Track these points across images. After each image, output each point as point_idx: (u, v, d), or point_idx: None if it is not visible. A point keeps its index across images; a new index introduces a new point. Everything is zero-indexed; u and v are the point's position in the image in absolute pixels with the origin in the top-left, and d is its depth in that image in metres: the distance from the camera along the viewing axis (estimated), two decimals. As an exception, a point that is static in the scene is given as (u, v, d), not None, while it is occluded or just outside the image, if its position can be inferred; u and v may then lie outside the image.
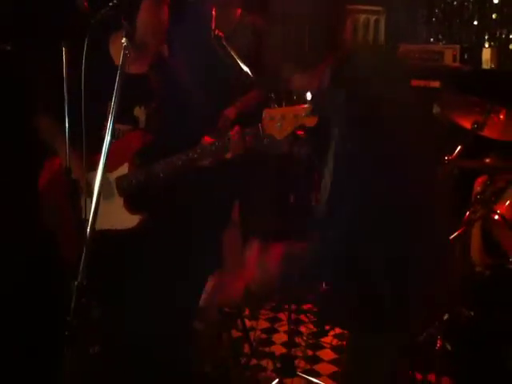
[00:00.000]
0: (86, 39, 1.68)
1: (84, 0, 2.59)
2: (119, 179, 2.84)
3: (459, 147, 3.52)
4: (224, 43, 3.23)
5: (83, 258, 1.63)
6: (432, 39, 5.19)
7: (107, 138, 1.88)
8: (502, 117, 3.58)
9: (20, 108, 2.92)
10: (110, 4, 1.70)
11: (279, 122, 2.53)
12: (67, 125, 2.07)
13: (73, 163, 2.26)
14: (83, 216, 1.93)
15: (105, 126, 1.95)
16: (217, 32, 3.26)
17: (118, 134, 2.85)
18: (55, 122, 2.65)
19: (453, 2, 5.15)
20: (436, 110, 3.83)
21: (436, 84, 4.43)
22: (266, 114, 2.57)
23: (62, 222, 2.79)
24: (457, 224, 3.47)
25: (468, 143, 3.51)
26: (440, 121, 3.85)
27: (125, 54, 1.69)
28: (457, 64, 4.75)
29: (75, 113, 2.04)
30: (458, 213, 3.54)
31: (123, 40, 1.71)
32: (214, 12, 3.28)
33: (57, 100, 2.16)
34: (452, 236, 3.38)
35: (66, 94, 2.01)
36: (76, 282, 1.58)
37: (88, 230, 1.68)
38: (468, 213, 3.52)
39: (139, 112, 2.88)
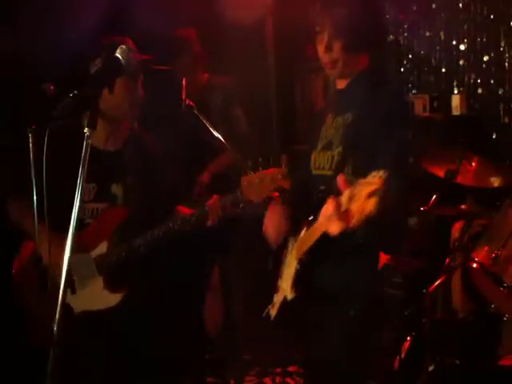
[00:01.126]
0: (47, 132, 1.71)
1: (50, 84, 2.64)
2: (99, 258, 2.84)
3: (434, 196, 3.57)
4: (195, 112, 3.29)
5: (50, 362, 1.61)
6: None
7: (74, 217, 1.88)
8: (474, 164, 3.65)
9: None
10: (71, 95, 1.74)
11: (257, 186, 2.60)
12: (36, 210, 2.08)
13: (45, 247, 2.27)
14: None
15: (81, 206, 1.96)
16: (187, 102, 3.32)
17: (96, 213, 2.87)
18: (28, 205, 2.67)
19: (420, 52, 5.27)
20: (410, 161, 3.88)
21: (408, 134, 4.50)
22: (243, 181, 2.63)
23: (36, 309, 2.78)
24: (437, 272, 3.49)
25: (443, 191, 3.56)
26: (413, 171, 3.91)
27: (87, 144, 1.73)
28: (427, 113, 4.85)
29: (48, 195, 2.04)
30: (438, 260, 3.57)
31: (85, 130, 1.74)
32: (184, 82, 3.35)
33: (28, 183, 2.18)
34: (434, 284, 3.40)
35: (33, 179, 2.03)
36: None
37: (55, 329, 1.67)
38: (447, 260, 3.54)
39: (116, 188, 2.90)
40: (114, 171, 2.90)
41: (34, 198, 2.10)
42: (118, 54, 1.84)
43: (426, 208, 3.55)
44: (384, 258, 3.62)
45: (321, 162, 2.44)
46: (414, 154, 3.89)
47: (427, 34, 5.26)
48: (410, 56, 5.32)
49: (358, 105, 2.33)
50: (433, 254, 3.74)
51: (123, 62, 1.84)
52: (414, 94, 5.15)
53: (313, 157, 2.50)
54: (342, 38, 2.29)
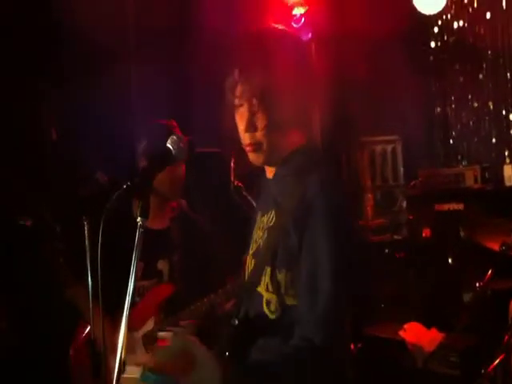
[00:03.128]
0: (102, 222, 1.76)
1: (103, 174, 2.75)
2: (146, 335, 2.87)
3: (490, 270, 3.49)
4: (244, 193, 3.34)
5: None
6: (451, 160, 5.27)
7: (128, 301, 1.89)
8: (529, 235, 3.57)
9: (43, 279, 3.02)
10: (124, 186, 1.79)
11: None
12: (91, 293, 2.13)
13: (99, 329, 2.30)
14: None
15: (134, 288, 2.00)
16: (236, 183, 3.37)
17: (142, 291, 2.93)
18: (83, 289, 2.72)
19: (469, 122, 5.26)
20: (462, 233, 3.84)
21: (460, 207, 4.46)
22: None
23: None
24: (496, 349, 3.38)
25: (498, 265, 3.49)
26: (467, 245, 3.85)
27: (140, 233, 1.77)
28: (479, 184, 4.79)
29: (104, 280, 2.06)
30: (496, 337, 3.46)
31: (138, 219, 1.79)
32: (232, 164, 3.42)
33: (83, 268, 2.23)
34: (493, 363, 3.29)
35: (88, 266, 2.09)
36: None
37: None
38: (506, 337, 3.43)
39: (162, 265, 2.97)
40: (160, 248, 2.96)
41: (89, 281, 2.16)
42: (169, 145, 1.88)
43: (481, 283, 3.47)
44: (439, 337, 3.55)
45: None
46: (467, 227, 3.88)
47: (475, 104, 5.26)
48: (459, 127, 5.31)
49: (280, 201, 1.87)
50: (490, 330, 3.62)
51: (174, 152, 1.88)
52: (465, 165, 5.12)
53: (246, 263, 2.05)
54: (268, 114, 1.82)
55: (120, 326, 1.92)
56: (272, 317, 1.83)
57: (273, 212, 1.89)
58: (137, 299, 2.93)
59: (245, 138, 1.90)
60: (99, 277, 1.98)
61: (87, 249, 2.11)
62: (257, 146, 1.88)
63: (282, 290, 1.81)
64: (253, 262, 1.97)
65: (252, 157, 1.93)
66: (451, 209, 4.44)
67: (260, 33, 1.93)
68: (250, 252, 2.02)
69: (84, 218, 2.06)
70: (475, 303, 3.73)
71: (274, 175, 1.95)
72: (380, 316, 4.14)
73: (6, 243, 3.23)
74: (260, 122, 1.84)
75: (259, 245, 1.95)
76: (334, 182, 1.89)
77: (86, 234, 2.04)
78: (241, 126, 1.88)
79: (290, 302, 1.81)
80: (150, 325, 2.89)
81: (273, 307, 1.83)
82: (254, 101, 1.82)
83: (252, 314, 1.87)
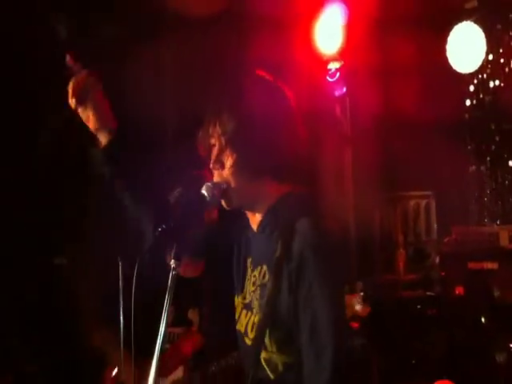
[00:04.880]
0: (136, 266, 1.77)
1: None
2: (174, 383, 2.86)
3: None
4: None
5: None
6: (485, 219, 5.22)
7: (158, 345, 1.90)
8: None
9: (75, 320, 3.04)
10: (159, 229, 1.81)
11: None
12: (122, 336, 2.13)
13: (130, 375, 2.30)
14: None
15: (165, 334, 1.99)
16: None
17: (173, 338, 2.92)
18: (114, 335, 2.74)
19: (504, 182, 5.22)
20: (497, 293, 3.78)
21: (494, 266, 4.39)
22: None
23: None
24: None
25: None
26: (501, 304, 3.79)
27: (173, 276, 1.78)
28: (513, 244, 4.72)
29: (134, 323, 2.07)
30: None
31: (172, 262, 1.80)
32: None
33: (114, 314, 2.24)
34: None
35: (121, 307, 2.09)
36: None
37: None
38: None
39: (193, 314, 2.97)
40: (191, 297, 2.96)
41: (121, 325, 2.16)
42: (203, 191, 1.90)
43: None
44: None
45: (243, 322, 1.95)
46: (501, 287, 3.82)
47: (510, 163, 5.24)
48: (494, 185, 5.28)
49: (271, 256, 1.80)
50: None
51: (208, 198, 1.89)
52: (499, 224, 5.06)
53: (237, 305, 2.03)
54: (236, 152, 1.80)
55: (148, 371, 1.92)
56: (273, 376, 1.80)
57: (264, 268, 1.85)
58: (166, 345, 2.92)
59: (214, 177, 1.89)
60: (132, 320, 1.98)
61: (120, 290, 2.12)
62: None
63: (281, 348, 1.78)
64: (247, 316, 1.93)
65: (222, 200, 1.88)
66: (485, 268, 4.37)
67: (237, 77, 1.94)
68: (242, 300, 1.98)
69: (119, 258, 2.07)
70: (509, 364, 3.65)
71: (260, 228, 1.90)
72: (411, 373, 4.06)
73: (41, 281, 3.27)
74: (227, 160, 1.82)
75: (251, 300, 1.91)
76: (325, 233, 1.80)
77: (120, 275, 2.05)
78: (211, 164, 1.88)
79: (287, 359, 1.79)
80: (179, 373, 2.88)
81: (273, 366, 1.81)
82: (223, 139, 1.81)
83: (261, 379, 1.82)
